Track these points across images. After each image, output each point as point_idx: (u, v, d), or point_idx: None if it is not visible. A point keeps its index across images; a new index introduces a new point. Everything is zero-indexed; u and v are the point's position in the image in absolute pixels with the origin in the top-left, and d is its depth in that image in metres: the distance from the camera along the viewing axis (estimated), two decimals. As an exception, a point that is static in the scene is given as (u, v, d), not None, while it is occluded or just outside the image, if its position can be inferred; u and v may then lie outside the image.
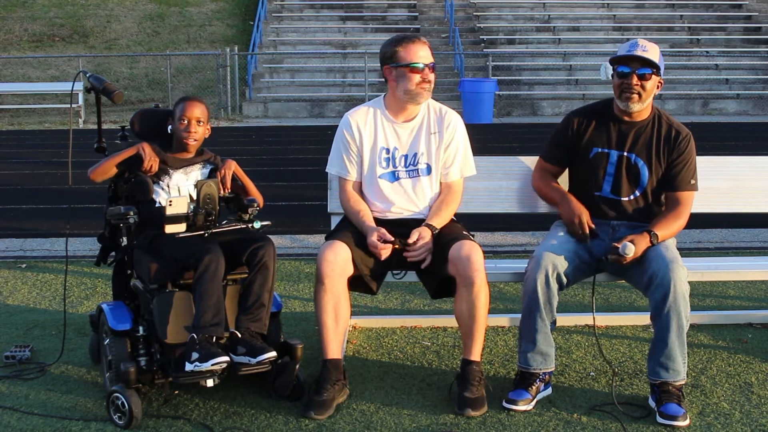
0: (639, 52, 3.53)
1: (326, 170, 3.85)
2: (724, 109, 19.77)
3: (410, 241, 3.54)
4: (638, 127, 3.65)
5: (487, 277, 3.49)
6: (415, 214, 3.72)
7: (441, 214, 3.67)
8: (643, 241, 3.47)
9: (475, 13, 23.00)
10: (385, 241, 3.53)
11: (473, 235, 3.75)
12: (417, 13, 23.12)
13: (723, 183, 4.12)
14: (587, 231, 3.60)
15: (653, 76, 3.56)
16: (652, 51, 3.55)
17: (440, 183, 3.75)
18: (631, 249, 3.42)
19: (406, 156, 3.71)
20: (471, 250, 3.46)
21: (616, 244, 3.46)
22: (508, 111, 19.54)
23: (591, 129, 3.70)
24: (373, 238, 3.54)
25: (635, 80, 3.55)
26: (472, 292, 3.44)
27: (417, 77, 3.58)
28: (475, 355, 3.53)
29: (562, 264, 3.49)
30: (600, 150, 3.68)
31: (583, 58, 20.63)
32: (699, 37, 21.94)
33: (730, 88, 20.38)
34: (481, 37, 21.83)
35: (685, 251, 5.65)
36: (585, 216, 3.62)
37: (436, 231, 3.60)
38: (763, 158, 4.21)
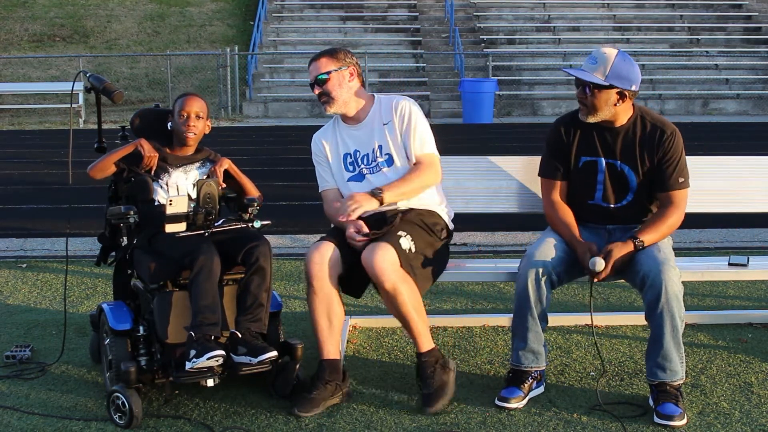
0: (575, 71, 3.56)
1: (319, 193, 3.90)
2: (724, 109, 19.79)
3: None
4: (621, 133, 3.60)
5: (420, 278, 3.48)
6: (388, 206, 3.70)
7: (393, 185, 3.64)
8: (625, 249, 3.43)
9: (475, 13, 23.01)
10: (364, 234, 3.54)
11: (446, 233, 3.72)
12: (417, 13, 23.13)
13: (723, 183, 4.12)
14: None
15: (602, 91, 3.51)
16: (600, 65, 3.50)
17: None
18: (600, 264, 3.39)
19: (367, 155, 3.74)
20: (373, 254, 3.40)
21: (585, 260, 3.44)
22: (508, 111, 19.55)
23: (577, 137, 3.68)
24: (350, 230, 3.56)
25: (580, 94, 3.58)
26: (387, 295, 3.43)
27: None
28: (422, 346, 3.53)
29: (553, 263, 3.49)
30: (588, 159, 3.65)
31: (583, 58, 20.50)
32: (699, 37, 21.95)
33: (730, 88, 20.39)
34: (481, 37, 21.84)
35: (685, 251, 5.67)
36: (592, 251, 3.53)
37: (379, 193, 3.60)
38: (763, 158, 4.20)
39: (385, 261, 3.39)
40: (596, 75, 3.50)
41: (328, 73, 3.67)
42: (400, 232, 3.52)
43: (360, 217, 3.63)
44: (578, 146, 3.67)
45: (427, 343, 3.54)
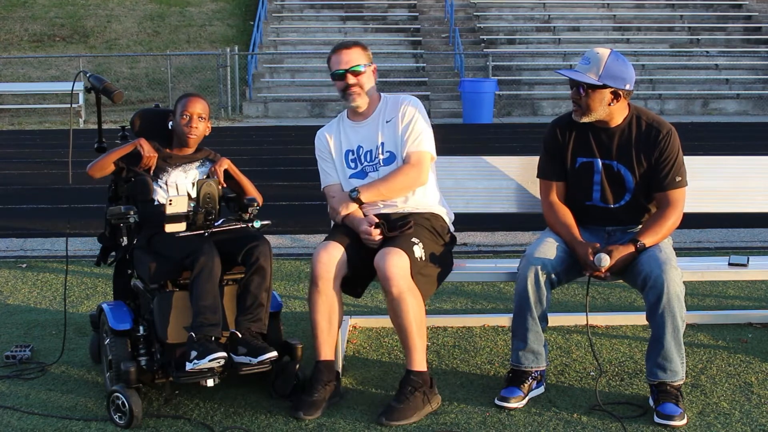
0: (568, 72, 3.55)
1: (322, 190, 3.89)
2: (724, 109, 19.78)
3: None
4: (616, 133, 3.60)
5: (416, 284, 3.42)
6: (390, 206, 3.70)
7: (371, 185, 3.66)
8: (626, 250, 3.43)
9: (475, 13, 23.01)
10: (376, 226, 3.54)
11: (450, 236, 3.71)
12: (417, 13, 23.12)
13: (723, 183, 4.12)
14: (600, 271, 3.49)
15: (596, 91, 3.50)
16: (593, 66, 3.49)
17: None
18: (606, 260, 3.38)
19: (370, 151, 3.74)
20: (385, 259, 3.39)
21: (591, 258, 3.43)
22: (508, 111, 19.54)
23: (573, 138, 3.67)
24: (365, 226, 3.56)
25: (574, 94, 3.57)
26: (392, 300, 3.42)
27: (342, 84, 3.69)
28: (412, 365, 3.48)
29: (553, 263, 3.49)
30: (585, 159, 3.65)
31: (583, 58, 20.61)
32: (699, 37, 21.94)
33: (730, 88, 20.38)
34: (481, 37, 21.84)
35: (685, 251, 5.67)
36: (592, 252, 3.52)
37: (356, 195, 3.62)
38: (763, 158, 4.21)
39: (396, 267, 3.38)
40: (590, 75, 3.50)
41: (365, 65, 3.69)
42: (414, 239, 3.51)
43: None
44: (574, 147, 3.67)
45: (419, 363, 3.49)
